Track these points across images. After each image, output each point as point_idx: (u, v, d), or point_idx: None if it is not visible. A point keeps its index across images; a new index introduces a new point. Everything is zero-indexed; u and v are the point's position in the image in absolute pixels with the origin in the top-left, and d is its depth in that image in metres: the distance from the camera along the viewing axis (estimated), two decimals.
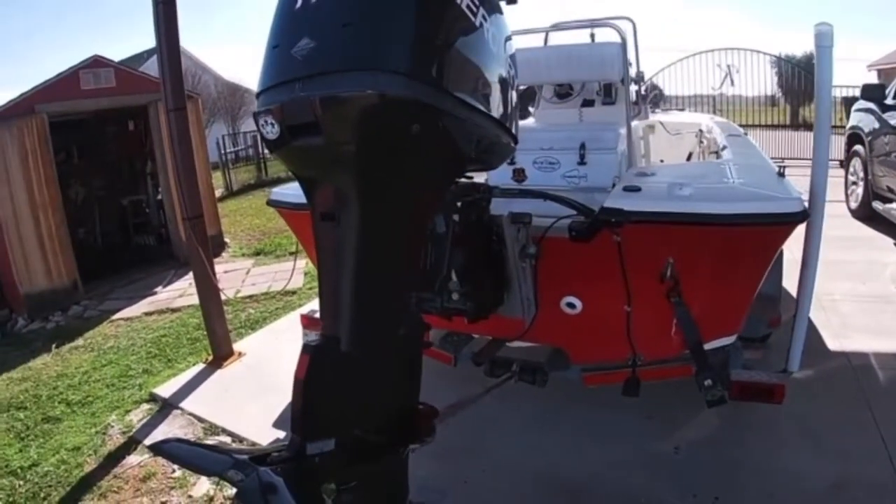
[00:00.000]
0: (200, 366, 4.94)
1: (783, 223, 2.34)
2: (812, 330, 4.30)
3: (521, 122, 5.19)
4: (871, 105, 6.93)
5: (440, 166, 1.86)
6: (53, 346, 5.95)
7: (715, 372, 2.65)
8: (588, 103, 4.47)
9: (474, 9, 1.74)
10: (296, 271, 6.82)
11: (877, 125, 6.77)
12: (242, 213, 12.38)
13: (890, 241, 6.47)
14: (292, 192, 3.28)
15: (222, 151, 16.42)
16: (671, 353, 2.77)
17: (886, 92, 6.78)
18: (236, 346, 5.20)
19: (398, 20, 1.61)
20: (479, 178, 4.08)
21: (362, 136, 1.62)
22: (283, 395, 3.88)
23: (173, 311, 6.71)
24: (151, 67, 11.62)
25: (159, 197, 8.96)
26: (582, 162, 3.69)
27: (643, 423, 3.41)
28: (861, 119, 7.32)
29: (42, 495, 3.44)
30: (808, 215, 2.37)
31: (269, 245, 9.31)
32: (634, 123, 4.35)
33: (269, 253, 8.98)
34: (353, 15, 1.61)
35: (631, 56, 4.73)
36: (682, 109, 9.26)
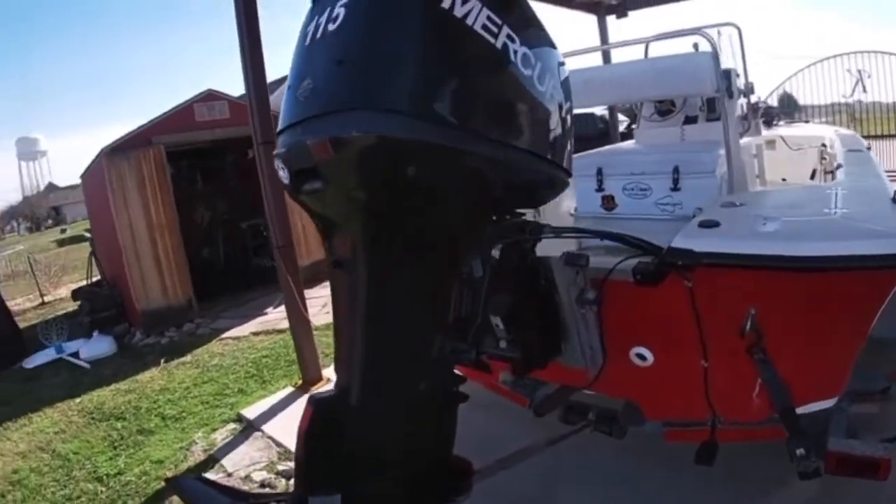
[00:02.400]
0: (289, 389, 5.05)
1: (893, 266, 1.91)
2: None
3: (618, 145, 4.89)
4: None
5: (461, 209, 1.69)
6: (163, 360, 6.37)
7: (809, 440, 2.22)
8: (690, 120, 4.11)
9: (494, 29, 1.54)
10: None
11: None
12: None
13: None
14: None
15: None
16: (756, 417, 2.38)
17: None
18: (326, 372, 5.24)
19: (399, 53, 1.48)
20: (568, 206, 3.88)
21: (362, 179, 1.52)
22: None
23: (279, 332, 6.94)
24: (273, 102, 12.41)
25: None
26: (676, 188, 3.37)
27: (730, 492, 2.95)
28: None
29: (119, 502, 3.63)
30: None
31: None
32: (746, 140, 3.91)
33: None
34: (348, 51, 1.51)
35: (738, 66, 4.30)
36: (807, 121, 8.39)
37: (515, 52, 1.61)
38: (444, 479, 1.92)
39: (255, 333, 7.06)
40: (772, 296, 2.02)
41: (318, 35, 1.57)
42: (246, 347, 6.60)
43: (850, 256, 1.89)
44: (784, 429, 2.25)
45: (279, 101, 1.81)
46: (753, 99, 4.47)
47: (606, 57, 6.43)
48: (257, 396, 5.05)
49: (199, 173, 9.48)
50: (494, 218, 1.94)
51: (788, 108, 12.25)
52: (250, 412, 4.68)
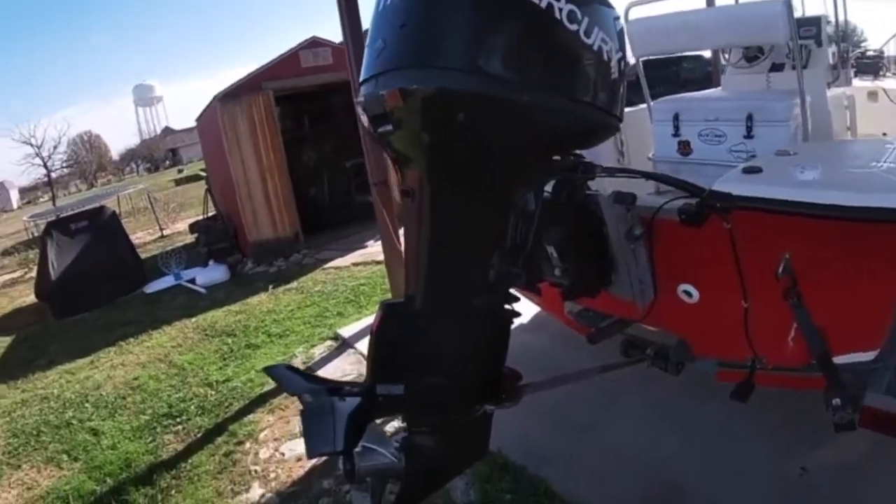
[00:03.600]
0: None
1: None
2: None
3: (702, 92, 4.80)
4: None
5: (511, 150, 1.90)
6: (270, 286, 7.07)
7: (845, 391, 2.28)
8: (777, 67, 4.01)
9: None
10: None
11: None
12: None
13: None
14: None
15: None
16: (794, 361, 2.49)
17: None
18: None
19: (451, 16, 1.72)
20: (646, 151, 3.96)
21: (424, 123, 1.79)
22: None
23: (377, 263, 7.38)
24: None
25: None
26: (749, 135, 3.38)
27: (773, 434, 3.07)
28: None
29: (226, 404, 4.25)
30: None
31: None
32: (835, 91, 3.80)
33: None
34: (409, 16, 1.77)
35: (830, 12, 4.11)
36: None
37: (560, 9, 1.77)
38: (495, 385, 2.20)
39: (356, 264, 7.62)
40: (804, 241, 2.12)
41: (388, 1, 1.85)
42: (346, 276, 7.17)
43: (875, 208, 1.96)
44: (822, 377, 2.36)
45: None
46: (848, 47, 4.26)
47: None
48: (353, 319, 5.57)
49: (307, 116, 10.03)
50: (549, 158, 2.15)
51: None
52: (346, 331, 5.21)
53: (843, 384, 2.28)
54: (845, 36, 4.20)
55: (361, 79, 1.96)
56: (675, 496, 2.83)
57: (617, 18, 2.06)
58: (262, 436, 3.73)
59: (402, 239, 5.48)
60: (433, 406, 2.09)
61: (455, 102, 1.72)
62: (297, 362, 4.77)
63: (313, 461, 3.33)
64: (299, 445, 3.54)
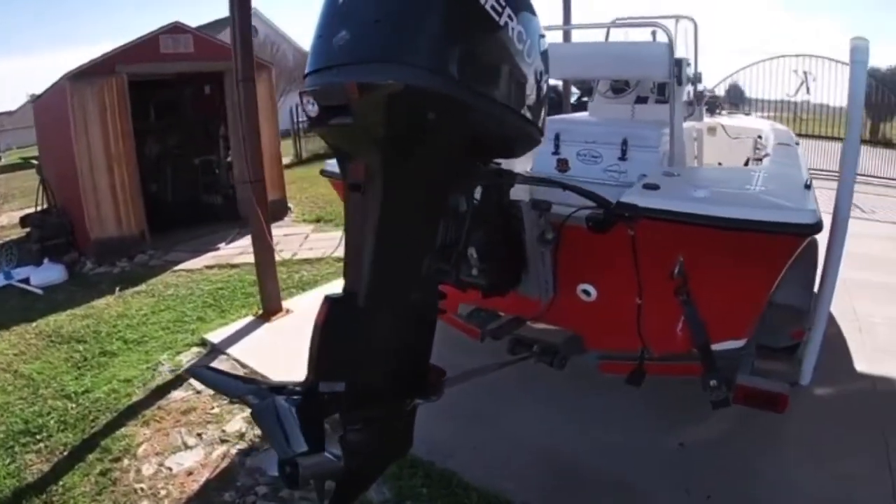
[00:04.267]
0: (250, 318, 5.31)
1: (792, 233, 2.38)
2: (844, 351, 4.28)
3: (574, 115, 5.30)
4: None
5: (458, 151, 2.04)
6: (118, 288, 6.45)
7: (721, 374, 2.69)
8: (641, 100, 4.53)
9: (499, 9, 1.90)
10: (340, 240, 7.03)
11: None
12: (308, 182, 12.76)
13: None
14: None
15: (294, 120, 16.86)
16: (678, 349, 2.85)
17: None
18: (286, 304, 5.52)
19: (425, 19, 1.81)
20: (525, 165, 4.25)
21: (387, 118, 1.82)
22: None
23: (232, 266, 7.15)
24: (228, 35, 12.10)
25: (229, 159, 9.42)
26: (623, 158, 3.77)
27: (654, 417, 3.52)
28: None
29: (91, 417, 3.82)
30: (820, 229, 2.40)
31: (330, 213, 9.65)
32: (689, 124, 4.37)
33: (329, 221, 9.32)
34: (383, 12, 1.82)
35: (690, 55, 4.74)
36: (748, 114, 9.05)
37: (513, 28, 1.96)
38: (422, 381, 2.28)
39: (209, 267, 7.21)
40: (697, 247, 2.46)
41: None
42: (200, 279, 6.75)
43: (761, 222, 2.34)
44: (700, 362, 2.71)
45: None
46: (700, 88, 4.95)
47: (566, 36, 6.82)
48: (217, 324, 5.28)
49: (153, 106, 9.29)
50: (478, 162, 2.30)
51: (734, 100, 12.95)
52: (214, 337, 4.93)
53: (719, 368, 2.66)
54: (700, 77, 4.85)
55: (314, 67, 1.96)
56: (573, 475, 3.11)
57: (542, 36, 2.26)
58: (140, 451, 3.42)
59: (276, 241, 5.34)
60: (371, 401, 2.11)
61: (427, 101, 1.80)
62: (165, 370, 4.42)
63: (207, 474, 3.15)
64: (187, 458, 3.32)
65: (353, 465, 2.06)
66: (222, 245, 8.11)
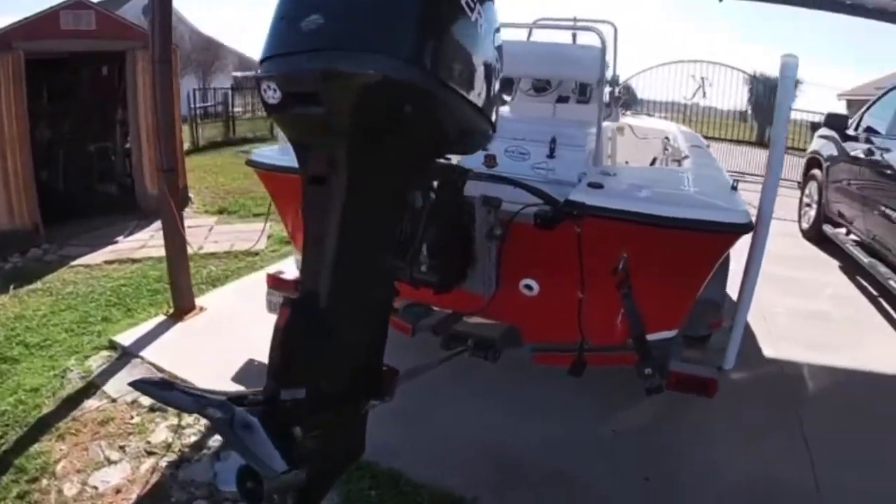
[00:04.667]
0: (161, 317, 4.99)
1: (728, 232, 2.56)
2: (752, 337, 4.61)
3: (501, 111, 5.36)
4: (833, 133, 7.22)
5: (423, 145, 2.01)
6: (11, 287, 5.88)
7: (655, 362, 2.85)
8: (563, 100, 4.65)
9: (472, 4, 1.90)
10: (261, 233, 6.69)
11: (835, 153, 7.08)
12: (207, 170, 12.21)
13: (835, 263, 6.84)
14: (273, 153, 3.37)
15: (192, 106, 16.08)
16: (616, 341, 2.98)
17: (849, 123, 7.08)
18: (198, 301, 5.26)
19: (403, 10, 1.75)
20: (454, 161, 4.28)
21: (359, 110, 1.75)
22: (242, 351, 4.06)
23: (134, 261, 6.69)
24: (129, 12, 11.35)
25: (127, 145, 8.84)
26: (551, 155, 3.84)
27: (586, 406, 3.65)
28: (822, 145, 7.61)
29: None
30: (752, 228, 2.58)
31: (233, 204, 9.27)
32: (605, 124, 4.54)
33: (232, 212, 8.94)
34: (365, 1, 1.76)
35: (609, 59, 4.91)
36: (651, 115, 9.53)
37: (481, 25, 1.97)
38: (377, 381, 2.23)
39: (109, 262, 6.70)
40: (640, 244, 2.58)
41: None
42: (101, 276, 6.27)
43: (702, 221, 2.51)
44: (636, 352, 2.85)
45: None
46: (618, 90, 5.16)
47: None
48: (126, 325, 4.93)
49: (45, 87, 8.53)
50: (439, 158, 2.28)
51: (629, 101, 13.64)
52: (124, 339, 4.59)
53: (654, 357, 2.80)
54: (618, 80, 5.04)
55: (277, 51, 1.84)
56: (517, 468, 3.17)
57: (498, 30, 2.26)
58: (59, 469, 3.12)
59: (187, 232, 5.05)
60: (330, 405, 2.04)
61: (405, 93, 1.75)
62: (74, 377, 4.07)
63: (137, 491, 2.95)
64: (112, 475, 3.07)
65: (313, 473, 2.00)
66: (120, 238, 7.60)
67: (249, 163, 3.66)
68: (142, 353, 4.37)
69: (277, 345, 1.86)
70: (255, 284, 5.38)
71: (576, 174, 3.54)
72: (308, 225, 2.00)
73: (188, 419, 3.52)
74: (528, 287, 2.95)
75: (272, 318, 1.91)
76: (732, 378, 3.82)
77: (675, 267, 2.72)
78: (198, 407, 1.86)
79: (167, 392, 2.06)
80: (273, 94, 1.79)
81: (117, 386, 3.94)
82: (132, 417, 3.55)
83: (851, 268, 6.47)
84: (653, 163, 5.78)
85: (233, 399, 1.87)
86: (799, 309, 5.39)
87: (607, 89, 4.81)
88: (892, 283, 5.14)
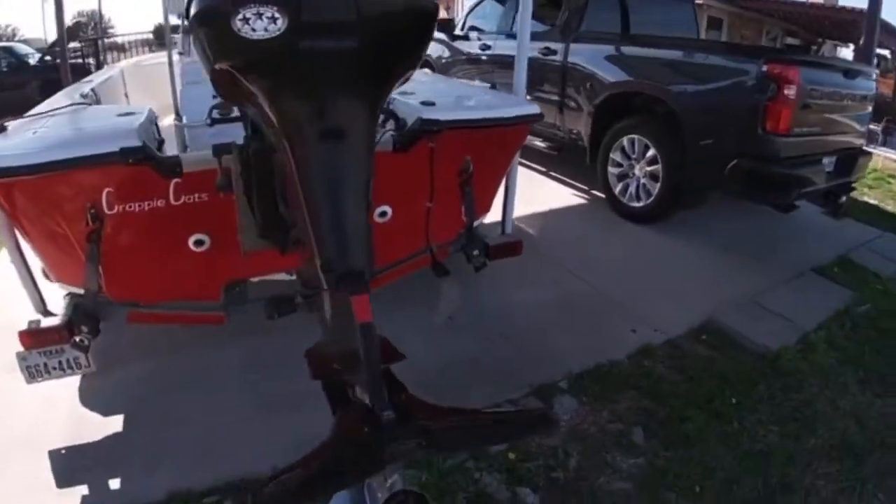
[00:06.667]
0: None
1: (523, 123, 3.24)
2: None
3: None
4: (443, 36, 8.15)
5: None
6: None
7: (482, 243, 3.40)
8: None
9: None
10: None
11: (446, 53, 8.14)
12: None
13: None
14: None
15: None
16: (452, 236, 3.39)
17: (455, 24, 8.29)
18: None
19: None
20: None
21: (397, 41, 1.56)
22: None
23: None
24: None
25: None
26: None
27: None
28: (431, 48, 8.70)
29: None
30: (542, 117, 3.31)
31: None
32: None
33: None
34: None
35: None
36: None
37: None
38: None
39: None
40: (479, 145, 3.07)
41: None
42: None
43: (511, 117, 3.12)
44: (465, 238, 3.34)
45: None
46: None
47: None
48: None
49: None
50: None
51: None
52: None
53: (481, 239, 3.37)
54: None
55: None
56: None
57: None
58: None
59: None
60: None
61: (432, 21, 1.65)
62: None
63: None
64: None
65: None
66: None
67: None
68: None
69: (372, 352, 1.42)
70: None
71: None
72: (315, 193, 1.57)
73: None
74: (383, 214, 3.03)
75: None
76: None
77: (496, 159, 3.29)
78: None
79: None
80: (274, 25, 1.35)
81: None
82: None
83: None
84: None
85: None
86: None
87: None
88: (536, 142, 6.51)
